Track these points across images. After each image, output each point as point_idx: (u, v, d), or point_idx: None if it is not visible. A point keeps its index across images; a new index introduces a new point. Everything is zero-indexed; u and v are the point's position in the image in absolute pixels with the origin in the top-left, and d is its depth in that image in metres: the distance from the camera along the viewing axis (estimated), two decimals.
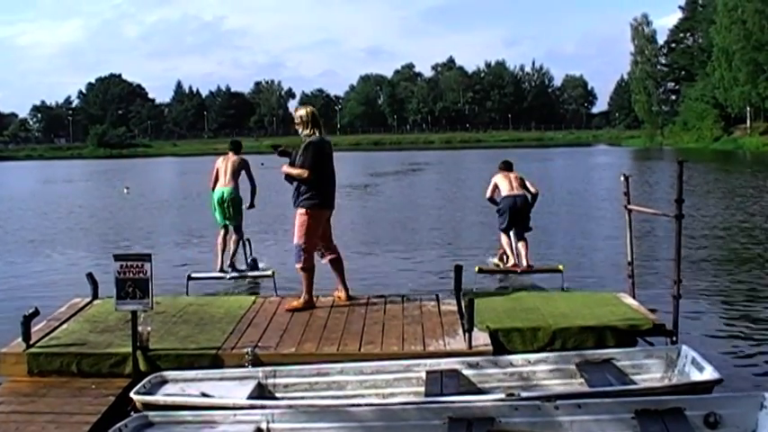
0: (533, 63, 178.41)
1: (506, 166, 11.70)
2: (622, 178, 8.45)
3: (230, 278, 10.86)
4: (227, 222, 11.04)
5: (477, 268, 10.98)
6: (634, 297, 8.24)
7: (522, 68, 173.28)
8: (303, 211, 8.09)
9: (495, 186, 11.54)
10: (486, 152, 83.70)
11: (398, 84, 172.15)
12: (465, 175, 36.03)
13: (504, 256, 11.41)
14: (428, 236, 17.27)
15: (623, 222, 8.54)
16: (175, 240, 17.50)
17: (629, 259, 8.41)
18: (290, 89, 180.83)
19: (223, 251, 10.94)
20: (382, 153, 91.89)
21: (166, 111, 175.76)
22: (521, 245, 11.15)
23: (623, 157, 63.62)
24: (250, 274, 11.07)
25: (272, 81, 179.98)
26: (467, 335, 6.71)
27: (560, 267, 10.67)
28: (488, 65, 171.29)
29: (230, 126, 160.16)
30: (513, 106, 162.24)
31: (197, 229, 19.44)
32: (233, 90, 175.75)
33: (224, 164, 11.14)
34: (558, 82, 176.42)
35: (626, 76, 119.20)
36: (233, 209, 10.96)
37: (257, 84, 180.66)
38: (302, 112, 8.35)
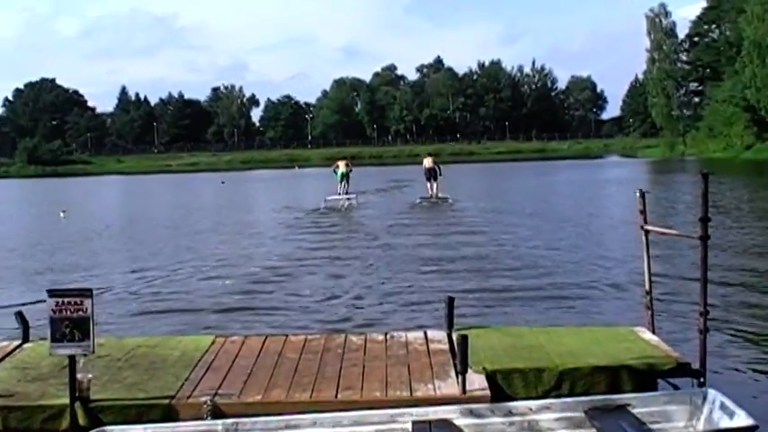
0: (533, 63, 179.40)
1: (429, 155, 37.02)
2: (638, 194, 8.44)
3: (340, 198, 33.69)
4: (343, 180, 36.01)
5: (419, 197, 33.81)
6: (653, 331, 8.27)
7: (520, 69, 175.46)
8: None
9: (424, 164, 34.86)
10: (480, 167, 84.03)
11: (378, 88, 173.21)
12: (453, 189, 36.40)
13: (428, 192, 34.09)
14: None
15: (639, 245, 8.57)
16: (122, 273, 17.42)
17: (647, 288, 8.42)
18: (252, 96, 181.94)
19: (340, 189, 35.44)
20: (360, 169, 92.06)
21: (109, 121, 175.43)
22: (435, 185, 33.99)
23: (639, 170, 64.10)
24: (347, 197, 34.00)
25: (233, 86, 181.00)
26: (460, 378, 6.72)
27: (448, 197, 33.26)
28: (482, 65, 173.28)
29: (184, 138, 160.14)
30: (510, 113, 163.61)
31: (146, 260, 19.36)
32: (187, 97, 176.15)
33: (342, 162, 37.46)
34: (562, 84, 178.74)
35: (641, 77, 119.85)
36: (347, 177, 36.13)
37: (215, 90, 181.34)
38: None
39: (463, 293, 13.04)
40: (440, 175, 34.80)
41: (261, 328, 11.12)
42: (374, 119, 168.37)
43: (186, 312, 12.80)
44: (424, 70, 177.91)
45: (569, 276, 14.95)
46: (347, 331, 9.23)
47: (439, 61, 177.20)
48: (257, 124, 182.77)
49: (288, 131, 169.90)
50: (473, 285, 14.16)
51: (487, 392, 6.72)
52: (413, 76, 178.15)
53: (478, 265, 16.55)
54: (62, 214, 34.43)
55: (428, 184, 34.92)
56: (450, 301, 8.67)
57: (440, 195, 34.23)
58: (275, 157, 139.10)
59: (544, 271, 15.62)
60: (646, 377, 7.07)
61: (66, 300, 6.40)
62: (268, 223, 27.94)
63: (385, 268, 16.66)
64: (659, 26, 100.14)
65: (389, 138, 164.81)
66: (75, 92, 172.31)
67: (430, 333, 8.71)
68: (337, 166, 36.89)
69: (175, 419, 6.49)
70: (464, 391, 6.67)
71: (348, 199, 34.25)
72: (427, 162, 35.28)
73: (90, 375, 6.80)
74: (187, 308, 13.17)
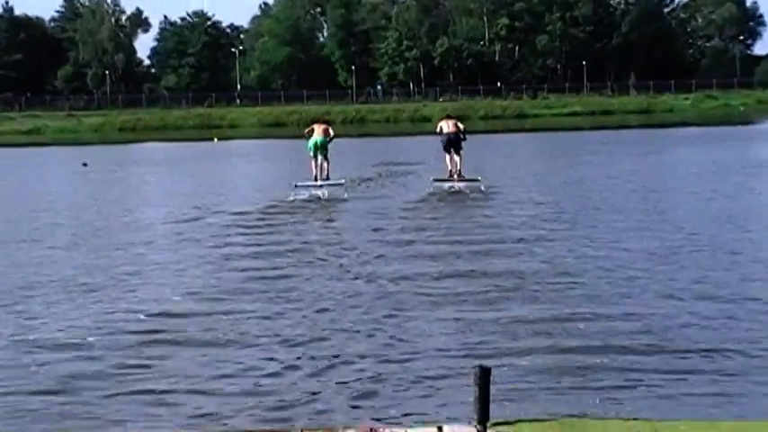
0: None
1: (447, 116, 41.26)
2: None
3: (320, 185, 37.89)
4: (319, 154, 38.34)
5: (432, 178, 38.73)
6: None
7: None
8: None
9: (440, 127, 39.08)
10: (536, 138, 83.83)
11: (359, 3, 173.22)
12: (490, 175, 36.50)
13: (446, 169, 38.83)
14: None
15: None
16: None
17: None
18: (139, 12, 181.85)
19: (316, 169, 38.27)
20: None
21: None
22: (457, 159, 38.44)
23: None
24: (331, 182, 38.27)
25: None
26: None
27: (478, 178, 37.92)
28: None
29: (13, 85, 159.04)
30: (591, 45, 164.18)
31: None
32: (19, 14, 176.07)
33: (319, 127, 39.41)
34: None
35: None
36: (324, 148, 38.56)
37: (70, 1, 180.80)
38: None
39: (507, 360, 13.09)
40: (464, 139, 38.88)
41: (149, 421, 11.14)
42: (352, 55, 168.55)
43: (7, 395, 12.82)
44: None
45: (699, 330, 14.99)
46: (304, 426, 9.19)
47: None
48: (147, 63, 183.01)
49: (200, 76, 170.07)
50: (527, 344, 14.28)
51: None
52: None
53: (538, 310, 16.57)
54: None
55: (447, 158, 38.93)
56: (485, 374, 8.68)
57: (465, 176, 38.38)
58: (179, 120, 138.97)
59: (654, 320, 15.64)
60: None
61: None
62: (167, 236, 27.92)
63: (373, 314, 16.65)
64: None
65: (379, 89, 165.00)
66: None
67: (448, 429, 8.72)
68: (311, 132, 39.28)
69: None
70: None
71: (330, 185, 38.06)
72: (446, 125, 38.98)
73: None
74: (12, 386, 13.19)
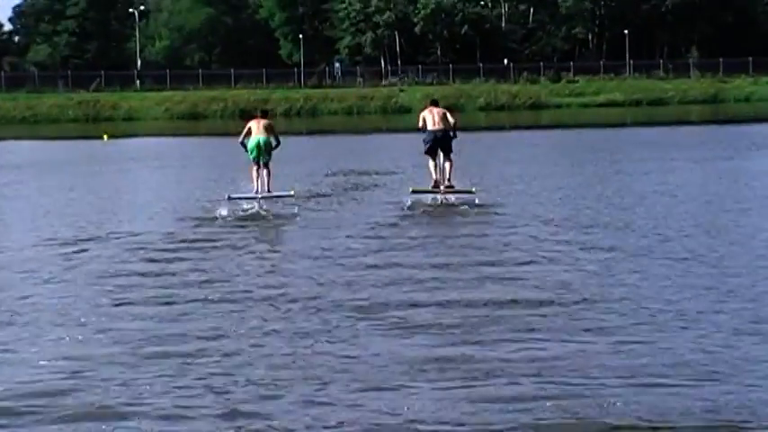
0: None
1: (433, 103, 42.50)
2: None
3: (261, 197, 39.75)
4: (260, 160, 40.42)
5: (411, 189, 40.20)
6: None
7: None
8: None
9: (424, 120, 40.73)
10: (557, 136, 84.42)
11: None
12: (494, 187, 36.41)
13: (430, 178, 40.59)
14: None
15: None
16: None
17: None
18: None
19: (257, 179, 40.28)
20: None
21: None
22: (447, 165, 40.24)
23: None
24: (275, 194, 40.48)
25: None
26: None
27: (473, 190, 40.11)
28: None
29: None
30: (635, 9, 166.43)
31: None
32: None
33: (258, 123, 41.28)
34: None
35: None
36: (267, 152, 40.96)
37: None
38: None
39: None
40: (454, 137, 40.64)
41: None
42: (299, 20, 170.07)
43: None
44: None
45: None
46: None
47: None
48: (7, 29, 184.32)
49: (84, 48, 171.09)
50: None
51: None
52: None
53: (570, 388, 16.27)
54: None
55: (431, 164, 40.42)
56: None
57: (456, 186, 40.07)
58: (53, 109, 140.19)
59: (727, 397, 15.34)
60: None
61: None
62: (30, 273, 27.48)
63: (331, 390, 16.22)
64: None
65: (337, 67, 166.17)
66: None
67: None
68: (249, 131, 40.71)
69: None
70: None
71: (275, 196, 39.97)
72: (432, 118, 40.22)
73: None
74: None
